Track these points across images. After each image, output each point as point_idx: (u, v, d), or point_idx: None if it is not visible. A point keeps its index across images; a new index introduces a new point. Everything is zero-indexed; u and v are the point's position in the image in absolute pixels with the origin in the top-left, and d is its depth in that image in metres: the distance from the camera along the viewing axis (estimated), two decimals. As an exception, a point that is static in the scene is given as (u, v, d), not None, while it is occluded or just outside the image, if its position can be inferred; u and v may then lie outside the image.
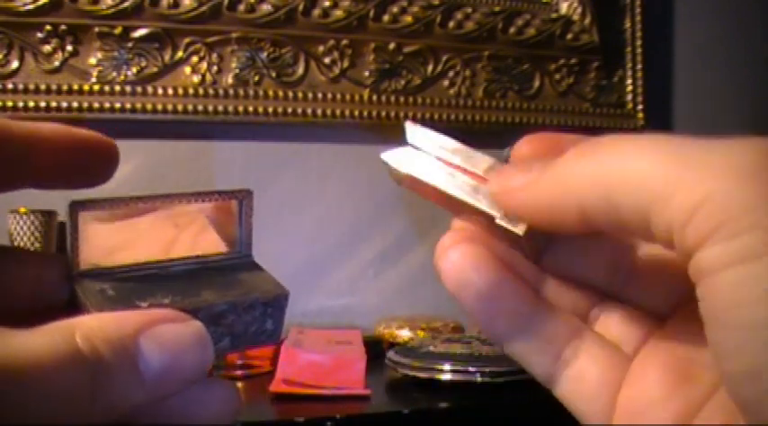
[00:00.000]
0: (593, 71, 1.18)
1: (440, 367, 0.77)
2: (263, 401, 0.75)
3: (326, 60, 1.04)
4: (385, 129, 1.07)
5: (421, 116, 1.08)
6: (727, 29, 1.29)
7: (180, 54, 0.98)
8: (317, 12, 1.03)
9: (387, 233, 1.09)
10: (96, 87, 0.95)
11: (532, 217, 0.21)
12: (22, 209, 0.86)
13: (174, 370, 0.19)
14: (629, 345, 0.23)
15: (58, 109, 0.93)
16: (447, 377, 0.76)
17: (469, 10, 1.10)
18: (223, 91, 1.00)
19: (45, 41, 0.93)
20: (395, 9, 1.06)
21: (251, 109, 1.00)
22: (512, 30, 1.13)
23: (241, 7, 1.00)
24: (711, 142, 0.18)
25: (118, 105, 0.95)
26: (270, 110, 1.01)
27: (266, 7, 1.01)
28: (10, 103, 0.92)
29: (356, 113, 1.05)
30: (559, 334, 0.22)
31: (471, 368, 0.76)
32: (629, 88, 1.20)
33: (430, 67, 1.10)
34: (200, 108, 0.98)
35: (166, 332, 0.19)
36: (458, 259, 0.22)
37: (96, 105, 0.95)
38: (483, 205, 0.22)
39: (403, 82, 1.08)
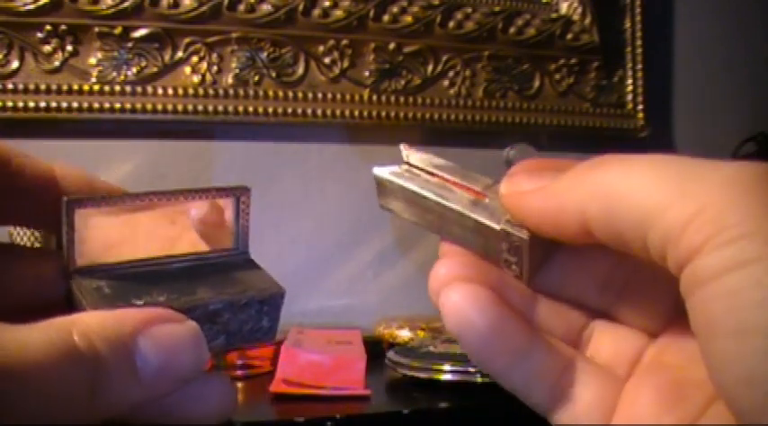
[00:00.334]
0: (593, 71, 1.18)
1: (440, 367, 0.77)
2: (263, 401, 0.75)
3: (326, 60, 1.04)
4: (385, 129, 1.07)
5: (421, 116, 1.08)
6: (727, 29, 1.29)
7: (180, 54, 0.98)
8: (316, 12, 1.03)
9: (387, 233, 1.09)
10: (96, 87, 0.95)
11: (538, 221, 0.22)
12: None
13: (170, 369, 0.19)
14: (621, 364, 0.23)
15: (58, 109, 0.93)
16: (447, 377, 0.76)
17: (469, 10, 1.10)
18: (223, 91, 1.00)
19: (45, 41, 0.93)
20: (395, 9, 1.06)
21: (251, 109, 1.00)
22: (512, 30, 1.12)
23: (241, 7, 1.00)
24: (708, 162, 0.19)
25: (118, 105, 0.95)
26: (270, 110, 1.01)
27: (266, 7, 1.01)
28: (10, 103, 0.92)
29: (356, 113, 1.05)
30: (555, 365, 0.23)
31: (471, 369, 0.75)
32: (629, 88, 1.20)
33: (430, 67, 1.09)
34: (200, 108, 0.98)
35: (163, 332, 0.19)
36: (459, 300, 0.23)
37: (96, 105, 0.95)
38: (482, 217, 0.23)
39: (403, 82, 1.08)
